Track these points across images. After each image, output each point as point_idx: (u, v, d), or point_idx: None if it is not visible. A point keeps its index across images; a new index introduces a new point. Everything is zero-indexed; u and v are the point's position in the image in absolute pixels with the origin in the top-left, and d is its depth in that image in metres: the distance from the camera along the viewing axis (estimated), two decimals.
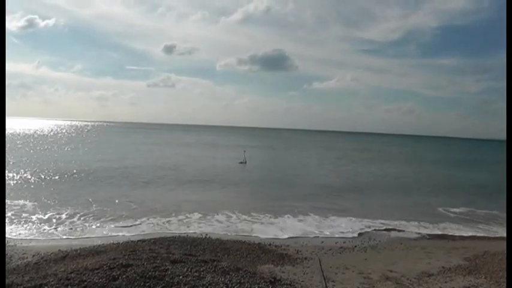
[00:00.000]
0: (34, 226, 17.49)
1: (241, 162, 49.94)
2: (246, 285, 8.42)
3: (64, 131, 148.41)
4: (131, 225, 18.30)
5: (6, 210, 19.43)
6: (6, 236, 15.38)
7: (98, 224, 18.26)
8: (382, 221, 21.21)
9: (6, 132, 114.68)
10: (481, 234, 19.70)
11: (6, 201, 21.41)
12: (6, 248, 13.54)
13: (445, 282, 11.83)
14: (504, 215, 17.92)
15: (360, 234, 18.56)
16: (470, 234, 19.76)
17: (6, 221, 17.71)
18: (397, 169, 53.47)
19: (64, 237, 16.05)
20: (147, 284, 8.03)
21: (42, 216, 19.02)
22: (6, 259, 12.19)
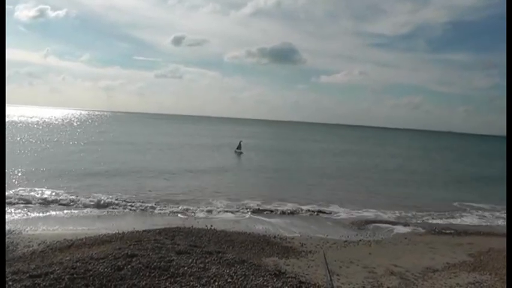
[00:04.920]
0: (42, 214, 17.62)
1: (239, 152, 50.14)
2: (251, 277, 8.41)
3: (75, 120, 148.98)
4: (137, 216, 18.46)
5: (21, 200, 19.74)
6: (14, 224, 15.52)
7: (104, 214, 18.42)
8: (387, 215, 21.21)
9: (21, 120, 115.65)
10: (487, 231, 19.56)
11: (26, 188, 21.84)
12: (12, 236, 13.65)
13: (450, 278, 11.78)
14: None
15: (364, 228, 18.50)
16: (475, 230, 19.63)
17: (16, 210, 17.90)
18: (404, 162, 53.24)
19: (70, 226, 16.11)
20: (152, 275, 8.05)
21: (50, 205, 19.16)
22: (12, 247, 12.29)
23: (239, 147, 51.40)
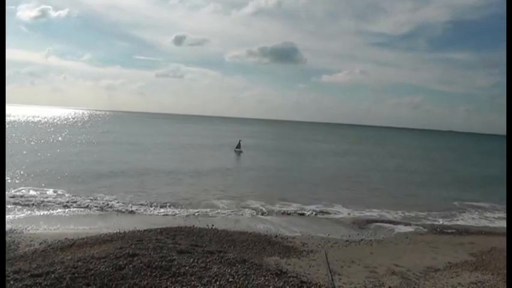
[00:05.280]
0: (44, 213, 17.63)
1: (239, 151, 50.51)
2: (252, 277, 8.40)
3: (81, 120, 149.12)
4: (140, 214, 18.47)
5: (27, 197, 19.93)
6: (16, 223, 15.53)
7: (106, 213, 18.43)
8: (388, 215, 21.18)
9: (28, 120, 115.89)
10: (488, 230, 19.53)
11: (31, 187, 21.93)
12: (14, 235, 13.66)
13: (451, 277, 11.75)
14: None
15: (366, 227, 18.46)
16: (477, 229, 19.61)
17: (18, 209, 17.90)
18: (404, 162, 53.11)
19: (71, 225, 16.11)
20: (154, 274, 8.04)
21: (54, 204, 19.17)
22: (13, 246, 12.30)
23: (238, 146, 52.02)
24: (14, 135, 54.98)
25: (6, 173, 25.44)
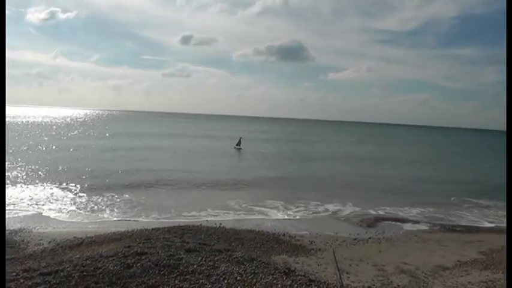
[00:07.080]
0: (53, 212, 17.73)
1: (239, 148, 51.06)
2: (261, 275, 8.40)
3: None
4: (145, 213, 18.51)
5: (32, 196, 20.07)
6: (25, 222, 15.64)
7: (113, 212, 18.51)
8: (397, 213, 21.05)
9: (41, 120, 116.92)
10: (498, 228, 19.31)
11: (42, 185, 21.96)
12: (23, 234, 13.77)
13: (461, 276, 11.65)
14: None
15: (374, 225, 18.37)
16: (486, 227, 19.45)
17: (27, 208, 18.03)
18: (415, 159, 52.81)
19: (80, 224, 16.20)
20: (162, 273, 8.07)
21: (63, 204, 19.29)
22: (23, 245, 12.41)
23: (239, 143, 52.63)
24: (28, 138, 55.41)
25: (18, 170, 25.73)
